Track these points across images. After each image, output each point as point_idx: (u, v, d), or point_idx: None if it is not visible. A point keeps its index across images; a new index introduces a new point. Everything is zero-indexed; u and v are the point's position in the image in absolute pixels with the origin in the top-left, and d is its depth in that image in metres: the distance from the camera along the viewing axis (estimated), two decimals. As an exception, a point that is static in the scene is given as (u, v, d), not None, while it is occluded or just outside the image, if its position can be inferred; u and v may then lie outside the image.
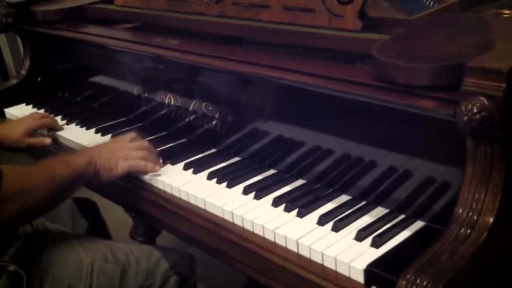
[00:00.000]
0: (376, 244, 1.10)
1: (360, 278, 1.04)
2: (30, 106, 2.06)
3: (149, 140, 1.64)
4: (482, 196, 0.98)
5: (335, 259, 1.08)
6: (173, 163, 1.51)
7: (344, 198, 1.28)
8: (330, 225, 1.18)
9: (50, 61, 2.18)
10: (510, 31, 1.20)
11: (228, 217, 1.28)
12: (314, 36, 1.38)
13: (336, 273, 1.08)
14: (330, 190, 1.31)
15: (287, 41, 1.48)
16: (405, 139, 1.15)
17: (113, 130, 1.75)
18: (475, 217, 0.98)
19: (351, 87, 1.17)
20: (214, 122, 1.55)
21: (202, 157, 1.54)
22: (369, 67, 1.22)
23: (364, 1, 1.30)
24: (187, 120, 1.63)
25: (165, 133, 1.71)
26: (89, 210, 1.85)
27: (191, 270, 1.59)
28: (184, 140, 1.65)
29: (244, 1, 1.55)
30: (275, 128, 1.41)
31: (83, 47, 1.96)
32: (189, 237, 1.37)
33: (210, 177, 1.42)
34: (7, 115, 2.06)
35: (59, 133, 1.81)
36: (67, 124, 1.87)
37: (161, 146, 1.61)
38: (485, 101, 0.92)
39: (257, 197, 1.31)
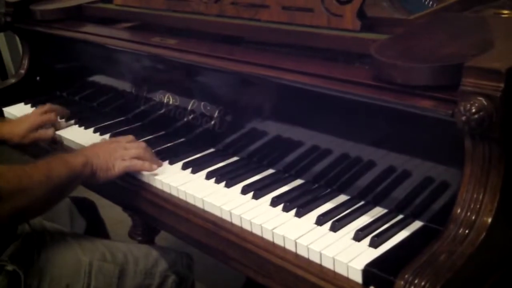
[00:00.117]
0: (374, 244, 1.10)
1: (358, 278, 1.04)
2: (29, 105, 2.06)
3: (147, 140, 1.64)
4: (481, 196, 0.98)
5: (333, 259, 1.07)
6: (171, 163, 1.51)
7: (342, 198, 1.28)
8: (328, 225, 1.18)
9: (48, 60, 2.18)
10: (509, 31, 1.20)
11: (226, 217, 1.28)
12: (313, 36, 1.38)
13: (334, 273, 1.08)
14: (329, 190, 1.31)
15: (286, 40, 1.48)
16: (404, 139, 1.15)
17: (111, 129, 1.75)
18: (473, 217, 0.98)
19: (350, 87, 1.17)
20: (212, 122, 1.54)
21: (201, 156, 1.54)
22: (368, 67, 1.21)
23: (363, 1, 1.30)
24: (185, 119, 1.63)
25: (163, 132, 1.71)
26: (87, 209, 1.85)
27: (189, 270, 1.59)
28: (182, 139, 1.65)
29: (243, 1, 1.55)
30: (273, 128, 1.41)
31: (81, 46, 1.96)
32: (187, 237, 1.37)
33: (208, 176, 1.42)
34: (6, 114, 2.05)
35: (58, 132, 1.80)
36: (66, 123, 1.87)
37: (160, 146, 1.61)
38: (484, 101, 0.92)
39: (256, 196, 1.31)
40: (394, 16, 1.47)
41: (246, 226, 1.24)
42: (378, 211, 1.22)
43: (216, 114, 1.53)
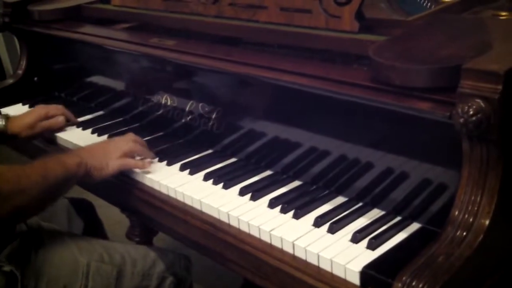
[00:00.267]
0: (372, 246, 1.09)
1: (356, 280, 1.04)
2: (27, 106, 2.06)
3: (145, 141, 1.64)
4: (478, 198, 0.98)
5: (331, 261, 1.07)
6: (169, 164, 1.51)
7: (340, 199, 1.28)
8: (326, 226, 1.18)
9: (46, 61, 2.17)
10: (507, 33, 1.20)
11: (224, 219, 1.28)
12: (311, 37, 1.38)
13: (332, 275, 1.07)
14: (327, 191, 1.31)
15: (284, 42, 1.48)
16: (402, 140, 1.15)
17: (109, 130, 1.75)
18: (471, 219, 0.98)
19: (348, 88, 1.17)
20: (210, 123, 1.54)
21: (199, 158, 1.54)
22: (366, 69, 1.21)
23: (362, 2, 1.30)
24: (183, 120, 1.63)
25: (161, 133, 1.71)
26: (85, 210, 1.84)
27: (187, 271, 1.59)
28: (180, 140, 1.65)
29: (241, 2, 1.54)
30: (271, 129, 1.40)
31: (79, 47, 1.96)
32: (185, 238, 1.37)
33: (206, 178, 1.42)
34: (4, 115, 2.05)
35: (57, 133, 1.80)
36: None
37: (158, 147, 1.61)
38: (482, 103, 0.92)
39: (254, 198, 1.31)
40: (392, 18, 1.47)
41: (244, 228, 1.23)
42: (376, 213, 1.22)
43: (214, 115, 1.53)
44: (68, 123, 1.83)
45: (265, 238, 1.19)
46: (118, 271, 1.44)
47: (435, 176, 1.12)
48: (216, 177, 1.40)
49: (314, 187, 1.34)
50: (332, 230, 1.16)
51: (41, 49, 2.17)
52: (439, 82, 1.02)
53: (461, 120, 0.93)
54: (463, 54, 1.03)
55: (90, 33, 1.90)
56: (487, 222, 0.96)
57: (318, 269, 1.10)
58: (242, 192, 1.33)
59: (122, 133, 1.66)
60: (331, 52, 1.38)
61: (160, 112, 1.70)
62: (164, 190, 1.42)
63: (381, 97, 1.10)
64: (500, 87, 0.91)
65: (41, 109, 1.79)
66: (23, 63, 2.20)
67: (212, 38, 1.68)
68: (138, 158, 1.52)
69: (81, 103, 2.06)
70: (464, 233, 0.97)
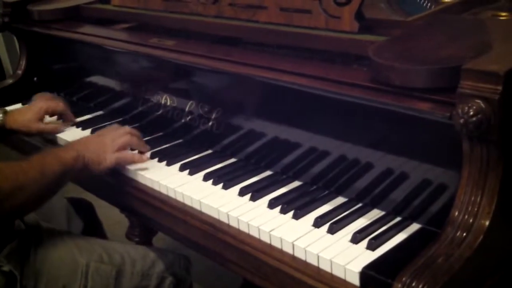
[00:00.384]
0: (372, 246, 1.09)
1: (355, 280, 1.04)
2: (26, 106, 2.05)
3: (145, 141, 1.64)
4: (478, 199, 0.98)
5: (331, 262, 1.07)
6: (169, 164, 1.51)
7: (340, 200, 1.28)
8: (326, 227, 1.17)
9: (46, 61, 2.17)
10: (507, 34, 1.20)
11: (223, 219, 1.28)
12: (311, 38, 1.38)
13: (331, 275, 1.07)
14: (326, 192, 1.31)
15: (283, 42, 1.48)
16: (402, 141, 1.15)
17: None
18: (471, 220, 0.98)
19: (348, 88, 1.17)
20: (210, 123, 1.54)
21: (198, 158, 1.53)
22: (366, 69, 1.21)
23: (361, 3, 1.30)
24: (183, 121, 1.63)
25: (161, 133, 1.71)
26: (84, 210, 1.84)
27: (187, 272, 1.59)
28: (180, 141, 1.65)
29: (241, 2, 1.54)
30: (271, 130, 1.40)
31: (79, 47, 1.96)
32: (184, 239, 1.37)
33: (206, 178, 1.42)
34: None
35: (56, 134, 1.80)
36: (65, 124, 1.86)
37: (157, 147, 1.60)
38: (482, 104, 0.92)
39: (253, 198, 1.31)
40: (392, 18, 1.47)
41: (244, 228, 1.23)
42: (375, 214, 1.22)
43: (213, 116, 1.53)
44: (66, 123, 1.84)
45: (265, 238, 1.19)
46: (118, 271, 1.44)
47: (435, 176, 1.11)
48: (216, 177, 1.40)
49: (314, 187, 1.34)
50: (332, 230, 1.16)
51: (40, 49, 2.17)
52: (439, 83, 1.02)
53: (461, 120, 0.93)
54: (463, 55, 1.03)
55: (89, 33, 1.90)
56: (487, 222, 0.96)
57: (317, 269, 1.09)
58: (241, 193, 1.33)
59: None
60: (331, 52, 1.38)
61: (160, 112, 1.70)
62: (163, 190, 1.42)
63: (381, 97, 1.10)
64: (500, 87, 0.91)
65: (41, 104, 1.78)
66: (23, 63, 2.20)
67: (211, 38, 1.68)
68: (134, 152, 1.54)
69: (81, 103, 2.06)
70: (464, 234, 0.97)
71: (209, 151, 1.57)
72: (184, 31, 1.74)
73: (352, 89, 1.16)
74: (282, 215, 1.24)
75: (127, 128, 1.55)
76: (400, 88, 1.07)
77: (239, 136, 1.49)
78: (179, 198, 1.38)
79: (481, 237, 0.96)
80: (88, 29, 1.95)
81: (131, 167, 1.50)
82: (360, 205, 1.25)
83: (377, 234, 1.13)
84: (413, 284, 0.91)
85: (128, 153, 1.49)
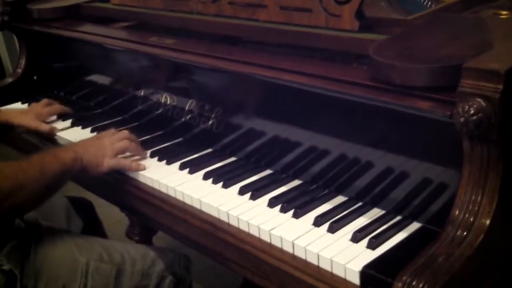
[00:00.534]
0: (372, 245, 1.09)
1: (356, 280, 1.04)
2: (26, 104, 2.05)
3: (145, 140, 1.64)
4: (479, 198, 0.98)
5: (331, 261, 1.07)
6: (168, 163, 1.50)
7: (340, 199, 1.28)
8: (326, 226, 1.17)
9: (46, 59, 2.17)
10: (507, 32, 1.20)
11: (223, 218, 1.27)
12: (311, 36, 1.38)
13: (331, 274, 1.07)
14: (326, 191, 1.31)
15: (284, 41, 1.48)
16: (402, 140, 1.15)
17: (109, 129, 1.74)
18: (471, 219, 0.97)
19: (348, 87, 1.16)
20: (210, 122, 1.54)
21: (198, 157, 1.53)
22: (366, 68, 1.21)
23: (362, 1, 1.29)
24: (183, 119, 1.62)
25: (161, 132, 1.70)
26: (84, 209, 1.84)
27: (187, 271, 1.59)
28: (180, 139, 1.65)
29: (241, 1, 1.54)
30: (271, 128, 1.40)
31: (79, 45, 1.96)
32: (184, 238, 1.37)
33: (206, 177, 1.42)
34: (3, 114, 2.05)
35: (56, 132, 1.80)
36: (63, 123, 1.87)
37: (157, 146, 1.60)
38: (482, 103, 0.92)
39: (253, 197, 1.31)
40: (393, 17, 1.47)
41: (244, 227, 1.23)
42: (376, 213, 1.22)
43: (213, 114, 1.53)
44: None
45: (265, 237, 1.19)
46: (118, 270, 1.44)
47: (436, 175, 1.11)
48: (216, 176, 1.40)
49: (314, 186, 1.34)
50: (332, 229, 1.16)
51: (40, 48, 2.17)
52: (440, 81, 1.02)
53: (462, 119, 0.93)
54: (463, 53, 1.03)
55: (89, 31, 1.90)
56: (487, 221, 0.96)
57: (318, 268, 1.09)
58: (241, 191, 1.33)
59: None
60: (331, 51, 1.38)
61: (160, 111, 1.69)
62: (163, 189, 1.42)
63: (381, 96, 1.10)
64: (501, 86, 0.91)
65: (40, 109, 1.85)
66: (23, 62, 2.20)
67: (211, 37, 1.68)
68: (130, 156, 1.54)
69: (81, 101, 2.06)
70: (465, 233, 0.97)
71: (209, 150, 1.56)
72: (184, 30, 1.74)
73: (352, 88, 1.16)
74: (282, 214, 1.24)
75: (126, 132, 1.55)
76: (401, 87, 1.06)
77: (239, 135, 1.49)
78: (179, 197, 1.38)
79: (482, 236, 0.96)
80: (88, 27, 1.95)
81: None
82: (360, 204, 1.25)
83: (377, 233, 1.13)
84: (414, 283, 0.91)
85: (127, 160, 1.50)
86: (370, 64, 1.14)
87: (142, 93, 1.75)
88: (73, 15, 2.08)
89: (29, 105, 2.03)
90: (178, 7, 1.72)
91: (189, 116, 1.60)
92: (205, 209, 1.32)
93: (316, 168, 1.33)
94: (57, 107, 1.90)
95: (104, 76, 1.92)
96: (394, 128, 1.15)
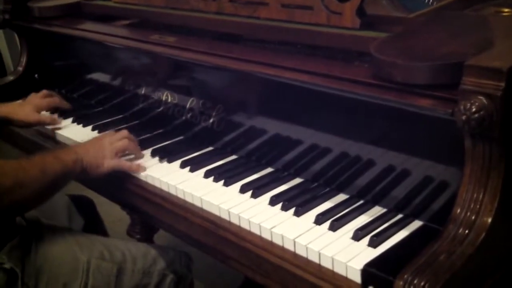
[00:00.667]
0: (373, 243, 1.09)
1: (357, 278, 1.03)
2: (22, 101, 2.05)
3: (146, 138, 1.64)
4: (481, 196, 0.97)
5: (332, 259, 1.07)
6: (169, 161, 1.50)
7: (341, 197, 1.28)
8: (327, 224, 1.17)
9: (47, 57, 2.17)
10: (509, 30, 1.19)
11: (224, 216, 1.27)
12: (312, 34, 1.37)
13: (333, 272, 1.07)
14: (328, 189, 1.31)
15: (285, 38, 1.48)
16: (403, 138, 1.14)
17: (110, 127, 1.74)
18: (473, 217, 0.97)
19: (349, 85, 1.16)
20: (211, 120, 1.54)
21: (199, 155, 1.53)
22: (367, 65, 1.21)
23: (363, -1, 1.29)
24: (184, 118, 1.62)
25: (162, 130, 1.70)
26: (85, 207, 1.84)
27: (188, 269, 1.58)
28: (181, 137, 1.65)
29: (241, -2, 1.54)
30: (272, 126, 1.40)
31: (80, 43, 1.96)
32: (185, 236, 1.37)
33: (207, 175, 1.41)
34: (4, 112, 2.04)
35: (57, 131, 1.80)
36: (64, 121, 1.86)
37: (158, 144, 1.60)
38: (484, 100, 0.92)
39: (254, 195, 1.30)
40: (394, 14, 1.46)
41: (245, 225, 1.23)
42: (377, 211, 1.22)
43: (214, 112, 1.53)
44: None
45: (266, 235, 1.19)
46: (119, 269, 1.44)
47: (437, 173, 1.11)
48: (217, 174, 1.40)
49: (315, 184, 1.34)
50: (333, 227, 1.16)
51: (41, 46, 2.17)
52: (441, 79, 1.01)
53: (464, 117, 0.92)
54: (465, 51, 1.03)
55: (90, 29, 1.90)
56: (489, 220, 0.96)
57: (319, 266, 1.09)
58: (243, 190, 1.33)
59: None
60: (332, 49, 1.38)
61: (161, 109, 1.69)
62: (164, 187, 1.42)
63: (383, 94, 1.10)
64: (503, 84, 0.91)
65: (38, 100, 1.86)
66: (24, 60, 2.20)
67: (212, 35, 1.68)
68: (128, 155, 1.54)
69: (82, 100, 2.06)
70: (466, 231, 0.97)
71: (210, 148, 1.56)
72: (185, 28, 1.74)
73: (353, 86, 1.15)
74: (284, 212, 1.24)
75: (125, 132, 1.55)
76: (402, 85, 1.06)
77: (240, 133, 1.49)
78: (180, 195, 1.38)
79: (483, 234, 0.95)
80: (89, 25, 1.95)
81: (132, 164, 1.50)
82: (361, 202, 1.25)
83: (378, 231, 1.13)
84: (415, 282, 0.91)
85: (127, 162, 1.50)
86: (372, 62, 1.14)
87: (143, 91, 1.75)
88: (74, 13, 2.09)
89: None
90: (179, 5, 1.72)
91: (190, 114, 1.60)
92: (206, 207, 1.32)
93: (317, 166, 1.33)
94: (57, 99, 1.91)
95: (105, 74, 1.92)
96: (395, 126, 1.15)
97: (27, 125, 1.83)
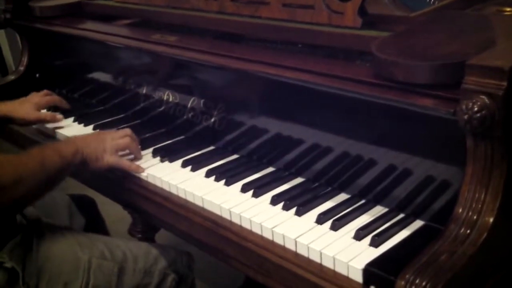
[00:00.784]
0: (375, 243, 1.09)
1: (358, 277, 1.03)
2: (23, 98, 2.04)
3: (147, 137, 1.64)
4: (483, 196, 0.97)
5: (334, 259, 1.07)
6: (171, 160, 1.50)
7: (343, 196, 1.27)
8: (328, 224, 1.17)
9: (48, 57, 2.17)
10: (511, 29, 1.19)
11: (226, 215, 1.27)
12: (313, 33, 1.37)
13: (334, 272, 1.07)
14: (329, 188, 1.30)
15: (286, 38, 1.47)
16: (405, 137, 1.14)
17: (111, 126, 1.74)
18: (475, 217, 0.97)
19: (351, 84, 1.16)
20: (212, 120, 1.54)
21: (201, 154, 1.53)
22: (369, 65, 1.21)
23: (364, -2, 1.29)
24: (185, 117, 1.62)
25: (163, 130, 1.70)
26: (86, 207, 1.84)
27: (189, 268, 1.59)
28: (182, 137, 1.65)
29: (243, -2, 1.54)
30: (273, 126, 1.40)
31: (81, 43, 1.96)
32: (187, 235, 1.37)
33: (208, 174, 1.41)
34: (5, 112, 2.04)
35: (57, 130, 1.80)
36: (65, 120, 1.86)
37: (159, 143, 1.60)
38: (486, 100, 0.92)
39: (256, 195, 1.30)
40: (395, 14, 1.46)
41: (246, 225, 1.23)
42: (379, 210, 1.21)
43: (216, 112, 1.53)
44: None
45: (267, 235, 1.19)
46: (120, 268, 1.44)
47: (439, 173, 1.11)
48: (218, 174, 1.40)
49: (317, 184, 1.34)
50: (334, 227, 1.16)
51: (42, 46, 2.17)
52: (443, 79, 1.01)
53: (466, 116, 0.92)
54: (467, 50, 1.02)
55: (91, 29, 1.90)
56: (491, 219, 0.96)
57: (320, 266, 1.09)
58: (244, 189, 1.33)
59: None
60: (334, 48, 1.38)
61: (162, 108, 1.69)
62: (166, 187, 1.41)
63: (384, 93, 1.09)
64: (505, 83, 0.91)
65: (38, 99, 1.85)
66: (25, 60, 2.20)
67: (214, 34, 1.68)
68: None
69: (83, 99, 2.05)
70: (468, 231, 0.96)
71: (212, 148, 1.56)
72: (186, 27, 1.74)
73: (355, 85, 1.15)
74: (285, 211, 1.23)
75: (128, 130, 1.55)
76: (404, 84, 1.06)
77: (241, 132, 1.49)
78: (181, 195, 1.37)
79: (485, 234, 0.95)
80: (90, 25, 1.95)
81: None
82: (363, 201, 1.25)
83: (380, 231, 1.13)
84: (417, 281, 0.91)
85: (127, 161, 1.50)
86: (373, 61, 1.14)
87: (144, 91, 1.75)
88: (75, 12, 2.09)
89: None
90: (181, 4, 1.72)
91: (192, 113, 1.60)
92: (207, 206, 1.31)
93: (319, 165, 1.33)
94: (56, 97, 1.91)
95: (106, 73, 1.92)
96: (397, 126, 1.15)
97: (28, 123, 1.82)
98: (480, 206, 0.97)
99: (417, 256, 0.96)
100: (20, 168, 1.27)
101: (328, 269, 1.08)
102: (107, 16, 2.04)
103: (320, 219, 1.18)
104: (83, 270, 1.39)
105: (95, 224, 1.84)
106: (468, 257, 0.94)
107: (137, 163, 1.51)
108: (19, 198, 1.28)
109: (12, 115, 1.80)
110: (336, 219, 1.17)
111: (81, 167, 1.42)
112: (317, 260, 1.10)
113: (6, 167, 1.24)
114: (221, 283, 2.46)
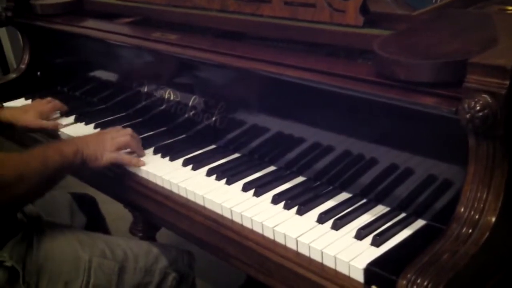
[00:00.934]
0: (376, 243, 1.09)
1: (360, 277, 1.03)
2: (29, 100, 2.05)
3: (148, 136, 1.64)
4: (484, 195, 0.97)
5: (335, 258, 1.06)
6: (172, 159, 1.50)
7: (344, 195, 1.27)
8: (330, 223, 1.17)
9: (49, 55, 2.17)
10: (513, 28, 1.19)
11: (227, 214, 1.27)
12: (315, 32, 1.37)
13: (335, 272, 1.07)
14: (330, 187, 1.30)
15: (288, 36, 1.47)
16: (407, 136, 1.14)
17: (112, 125, 1.73)
18: (477, 217, 0.97)
19: (352, 83, 1.16)
20: (213, 118, 1.53)
21: (202, 153, 1.53)
22: (370, 63, 1.20)
23: (366, -4, 1.29)
24: (186, 115, 1.62)
25: (164, 128, 1.70)
26: (87, 205, 1.84)
27: (190, 268, 1.58)
28: (183, 136, 1.64)
29: (244, -4, 1.53)
30: (275, 125, 1.39)
31: (82, 41, 1.95)
32: (188, 234, 1.37)
33: (209, 173, 1.41)
34: (6, 110, 2.04)
35: (59, 128, 1.80)
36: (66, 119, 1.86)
37: (160, 142, 1.60)
38: (488, 99, 0.91)
39: (257, 194, 1.30)
40: (397, 12, 1.45)
41: (247, 224, 1.23)
42: (380, 209, 1.21)
43: (217, 110, 1.52)
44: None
45: (268, 234, 1.18)
46: (120, 267, 1.44)
47: (440, 172, 1.10)
48: (219, 173, 1.39)
49: (318, 183, 1.33)
50: (336, 226, 1.15)
51: (44, 44, 2.17)
52: (445, 77, 1.01)
53: (468, 115, 0.92)
54: (469, 49, 1.02)
55: (92, 27, 1.89)
56: (493, 219, 0.95)
57: (321, 265, 1.09)
58: (245, 188, 1.32)
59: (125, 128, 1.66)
60: (336, 46, 1.37)
61: (163, 107, 1.69)
62: (166, 186, 1.41)
63: (386, 92, 1.09)
64: (507, 82, 0.90)
65: (41, 107, 1.84)
66: (26, 58, 2.20)
67: (215, 33, 1.67)
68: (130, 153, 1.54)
69: (84, 97, 2.05)
70: (470, 230, 0.96)
71: (213, 146, 1.56)
72: (187, 25, 1.74)
73: (356, 84, 1.15)
74: (286, 210, 1.23)
75: (129, 130, 1.55)
76: (405, 83, 1.05)
77: (242, 131, 1.48)
78: (182, 193, 1.37)
79: (487, 233, 0.95)
80: (91, 23, 1.95)
81: (134, 162, 1.50)
82: (364, 201, 1.24)
83: (381, 230, 1.12)
84: (418, 281, 0.90)
85: (126, 155, 1.50)
86: (375, 60, 1.14)
87: (145, 89, 1.75)
88: (76, 10, 2.08)
89: (32, 100, 2.03)
90: (182, 2, 1.72)
91: (193, 112, 1.60)
92: (208, 205, 1.31)
93: (320, 164, 1.32)
94: (58, 103, 1.90)
95: (107, 72, 1.92)
96: (398, 125, 1.15)
97: (29, 131, 1.83)
98: (482, 205, 0.97)
99: (419, 256, 0.95)
100: (22, 166, 1.28)
101: (330, 268, 1.08)
102: (108, 14, 2.04)
103: (322, 218, 1.18)
104: (84, 269, 1.39)
105: (96, 222, 1.84)
106: (470, 256, 0.93)
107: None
108: (21, 196, 1.29)
109: (14, 122, 1.79)
110: (338, 218, 1.17)
111: (81, 167, 1.43)
112: (318, 259, 1.09)
113: (9, 165, 1.26)
114: (222, 282, 2.46)
